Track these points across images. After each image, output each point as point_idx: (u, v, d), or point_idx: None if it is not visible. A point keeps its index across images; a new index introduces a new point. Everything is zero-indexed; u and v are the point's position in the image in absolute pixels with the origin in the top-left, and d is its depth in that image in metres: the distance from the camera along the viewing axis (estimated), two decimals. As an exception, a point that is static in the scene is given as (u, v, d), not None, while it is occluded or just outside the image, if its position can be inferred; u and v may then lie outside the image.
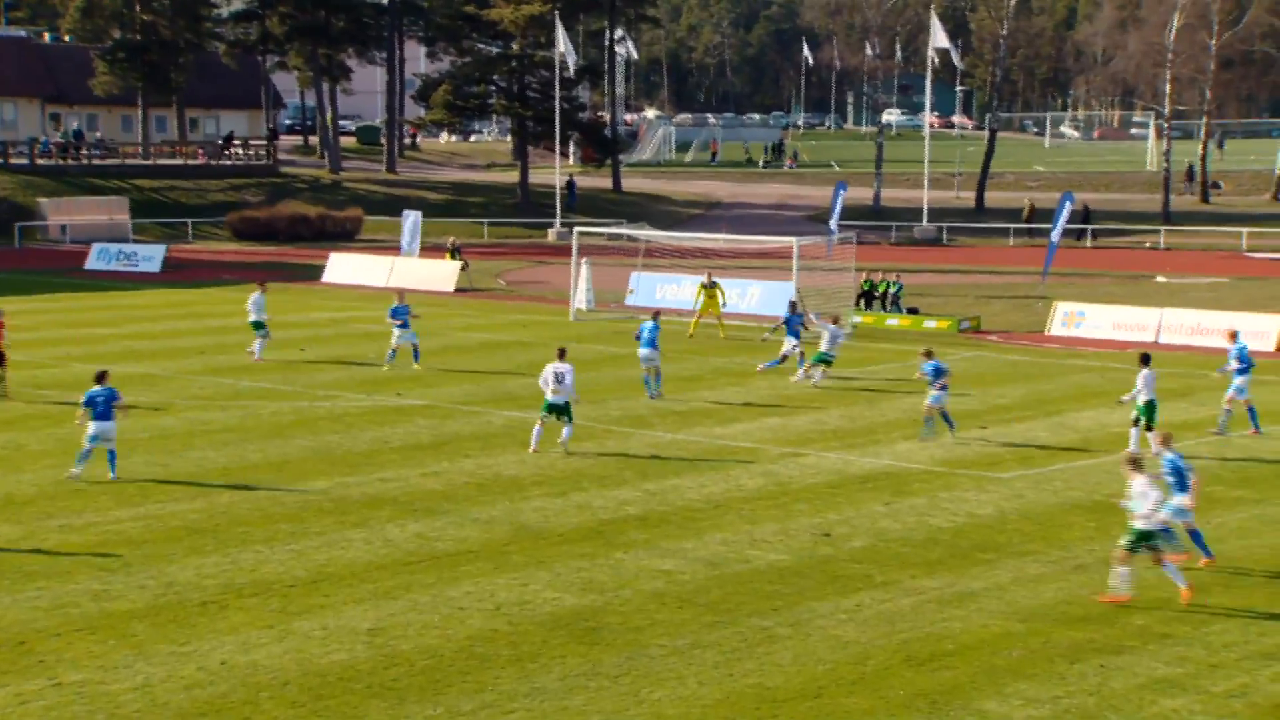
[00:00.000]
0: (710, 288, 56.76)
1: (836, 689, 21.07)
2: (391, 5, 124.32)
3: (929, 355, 38.29)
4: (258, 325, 50.06)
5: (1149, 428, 35.60)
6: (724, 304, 57.33)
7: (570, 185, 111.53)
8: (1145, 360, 36.67)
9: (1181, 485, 26.24)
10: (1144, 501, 24.33)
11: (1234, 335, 40.29)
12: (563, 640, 22.88)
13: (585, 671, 21.61)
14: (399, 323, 48.35)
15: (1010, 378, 47.20)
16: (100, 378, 32.95)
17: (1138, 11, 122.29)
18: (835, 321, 46.47)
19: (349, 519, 29.69)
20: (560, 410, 34.94)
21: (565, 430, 34.98)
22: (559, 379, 34.69)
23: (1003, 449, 36.67)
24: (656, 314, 44.38)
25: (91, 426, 32.31)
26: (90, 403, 32.34)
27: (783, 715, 20.14)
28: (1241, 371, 38.62)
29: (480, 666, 21.79)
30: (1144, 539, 24.54)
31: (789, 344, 46.53)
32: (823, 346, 44.76)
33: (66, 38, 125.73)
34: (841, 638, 23.11)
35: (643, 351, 42.68)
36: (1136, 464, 25.07)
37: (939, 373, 37.44)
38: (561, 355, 35.69)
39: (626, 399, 42.01)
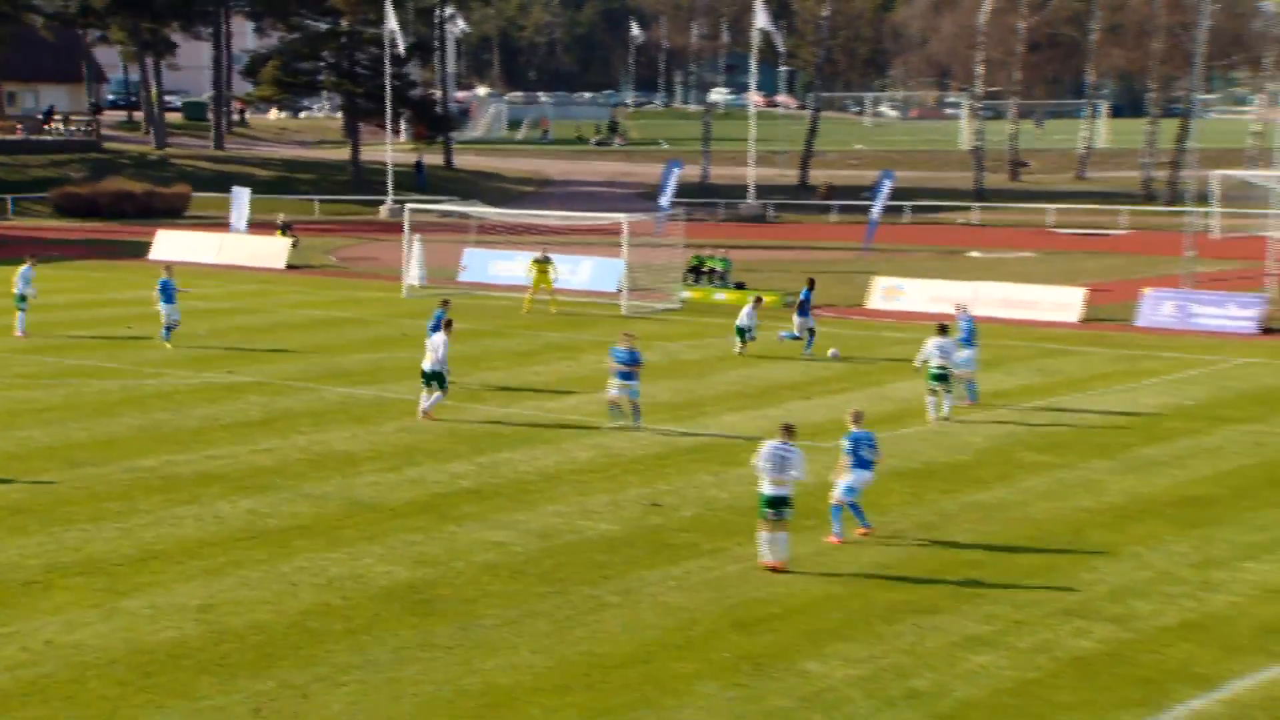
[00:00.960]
0: (543, 263, 56.74)
1: (665, 654, 21.33)
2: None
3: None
4: (21, 299, 49.41)
5: (945, 392, 36.79)
6: (555, 279, 57.41)
7: (419, 166, 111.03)
8: (942, 330, 37.54)
9: (862, 464, 26.85)
10: (774, 467, 24.49)
11: (961, 308, 41.17)
12: (396, 613, 22.93)
13: (418, 643, 21.68)
14: (164, 299, 47.80)
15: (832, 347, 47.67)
16: None
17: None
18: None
19: (179, 496, 29.41)
20: (432, 377, 35.61)
21: (436, 395, 36.22)
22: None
23: (826, 419, 37.04)
24: (445, 301, 41.41)
25: None
26: None
27: (612, 681, 20.37)
28: (967, 343, 38.99)
29: (313, 640, 21.77)
30: (771, 505, 24.70)
31: (799, 321, 47.05)
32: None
33: None
34: (670, 604, 23.37)
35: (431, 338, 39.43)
36: (789, 431, 25.32)
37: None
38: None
39: (461, 374, 42.02)
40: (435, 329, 38.46)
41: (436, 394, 36.52)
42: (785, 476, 24.41)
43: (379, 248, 79.36)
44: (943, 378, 36.94)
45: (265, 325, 52.50)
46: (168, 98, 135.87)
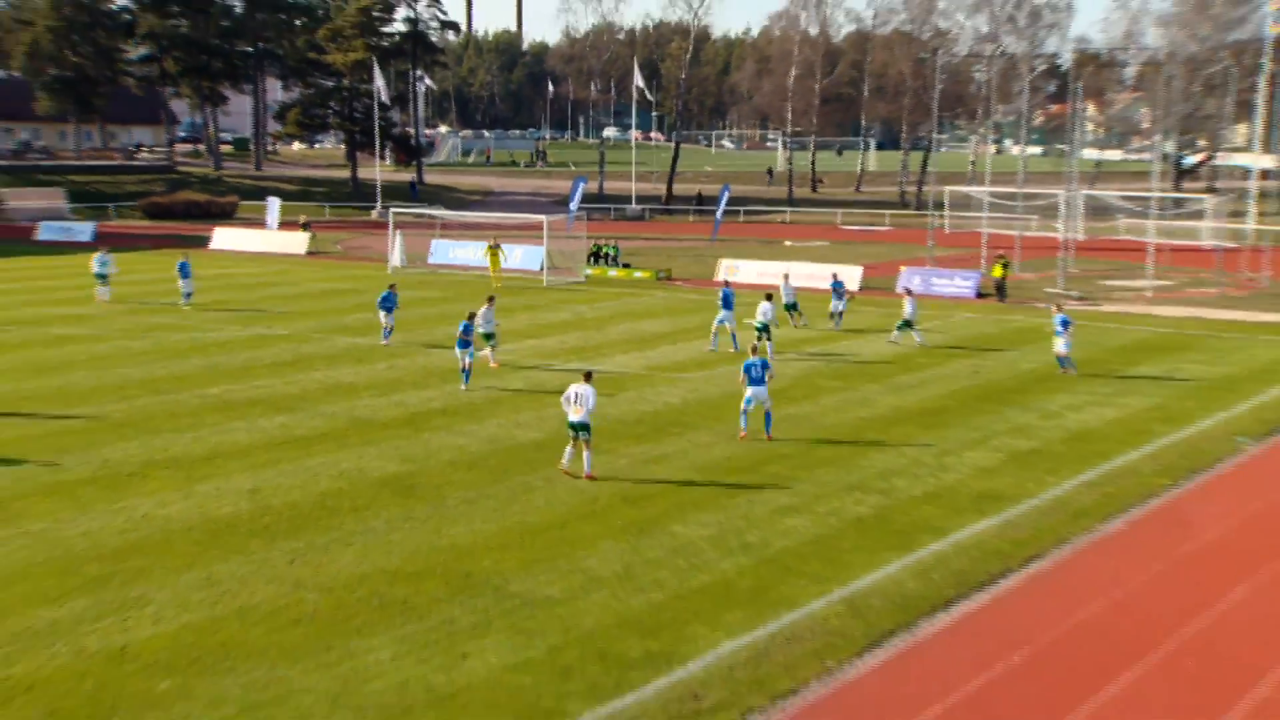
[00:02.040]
0: (494, 249, 56.57)
1: (576, 521, 21.44)
2: (256, 51, 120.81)
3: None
4: (101, 277, 48.71)
5: (767, 339, 36.93)
6: (504, 261, 57.19)
7: (413, 184, 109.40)
8: (768, 298, 38.19)
9: (756, 381, 26.89)
10: (575, 403, 23.65)
11: (726, 283, 41.33)
12: (387, 495, 22.90)
13: (403, 516, 21.70)
14: (182, 275, 47.53)
15: (693, 309, 47.65)
16: None
17: (769, 64, 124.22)
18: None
19: (233, 414, 29.16)
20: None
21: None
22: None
23: (686, 358, 37.23)
24: (393, 285, 39.46)
25: None
26: None
27: (540, 539, 20.45)
28: (726, 305, 38.61)
29: (329, 514, 21.76)
30: (576, 429, 23.78)
31: (837, 303, 43.77)
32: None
33: (15, 73, 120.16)
34: (579, 487, 23.42)
35: (386, 318, 38.47)
36: (587, 376, 24.34)
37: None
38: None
39: (433, 328, 41.69)
40: (385, 302, 38.38)
41: (486, 350, 35.24)
42: (585, 408, 23.65)
43: (371, 239, 78.48)
44: (765, 329, 37.15)
45: (291, 295, 51.78)
46: (222, 134, 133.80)
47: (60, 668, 15.83)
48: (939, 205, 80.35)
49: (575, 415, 23.76)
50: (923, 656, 16.54)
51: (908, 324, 39.75)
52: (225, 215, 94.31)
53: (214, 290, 52.14)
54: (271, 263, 65.68)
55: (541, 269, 58.92)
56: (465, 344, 32.33)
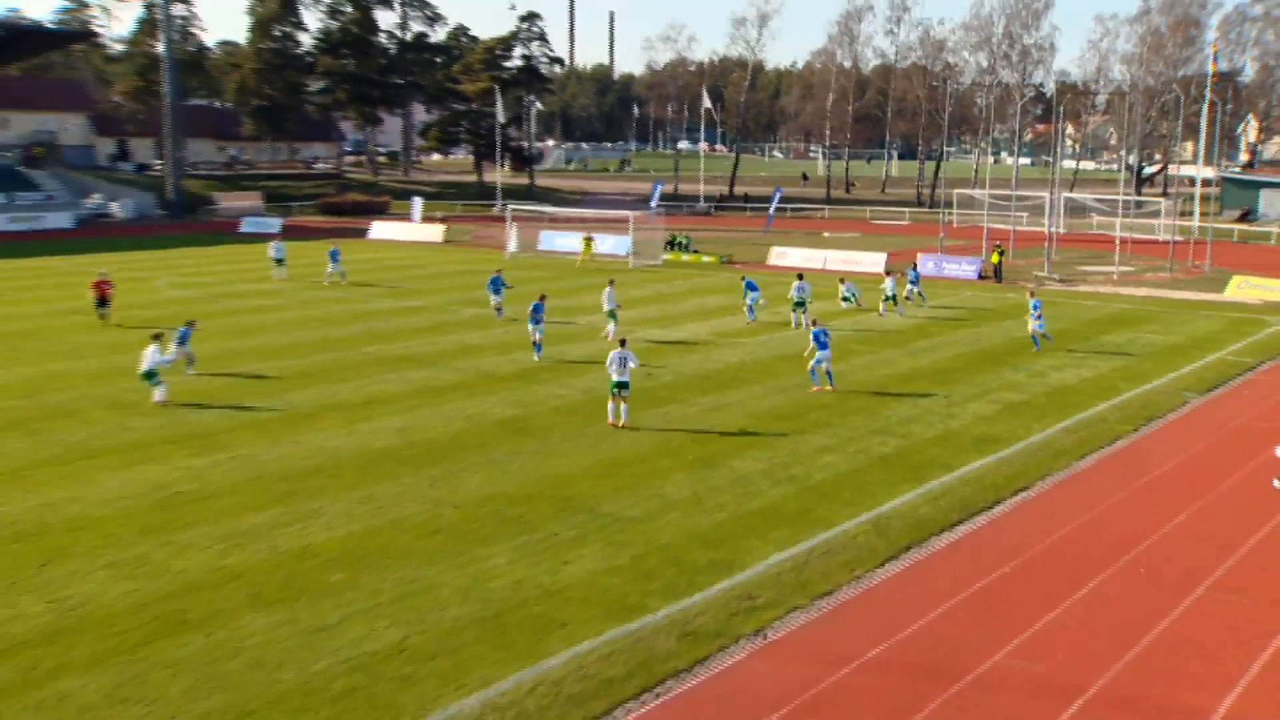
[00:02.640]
0: (588, 240, 56.59)
1: (654, 457, 21.36)
2: (406, 82, 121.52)
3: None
4: (278, 262, 49.57)
5: (802, 312, 36.63)
6: (595, 249, 57.15)
7: (530, 188, 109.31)
8: (800, 277, 38.19)
9: (822, 346, 26.73)
10: (617, 366, 23.16)
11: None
12: (504, 434, 22.93)
13: (516, 450, 21.73)
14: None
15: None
16: (190, 323, 29.09)
17: (811, 91, 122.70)
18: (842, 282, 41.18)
19: (385, 369, 29.36)
20: (610, 314, 27.45)
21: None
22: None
23: (744, 327, 36.97)
24: (500, 270, 38.87)
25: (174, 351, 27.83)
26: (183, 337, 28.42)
27: (626, 470, 20.42)
28: (751, 288, 38.16)
29: (460, 448, 21.86)
30: (620, 387, 23.32)
31: (890, 283, 40.32)
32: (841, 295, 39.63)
33: (228, 104, 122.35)
34: (658, 428, 23.34)
35: (494, 297, 37.24)
36: (622, 343, 23.84)
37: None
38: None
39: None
40: (493, 284, 37.56)
41: (610, 326, 34.35)
42: (625, 369, 23.26)
43: (493, 230, 78.51)
44: (801, 304, 36.97)
45: (431, 274, 52.09)
46: (379, 148, 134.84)
47: (260, 561, 16.16)
48: (948, 204, 79.35)
49: (618, 375, 23.25)
50: (933, 566, 16.39)
51: (890, 298, 39.37)
52: (380, 212, 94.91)
53: (371, 271, 52.67)
54: (415, 249, 66.12)
55: (627, 254, 58.70)
56: (537, 320, 30.65)
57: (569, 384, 27.78)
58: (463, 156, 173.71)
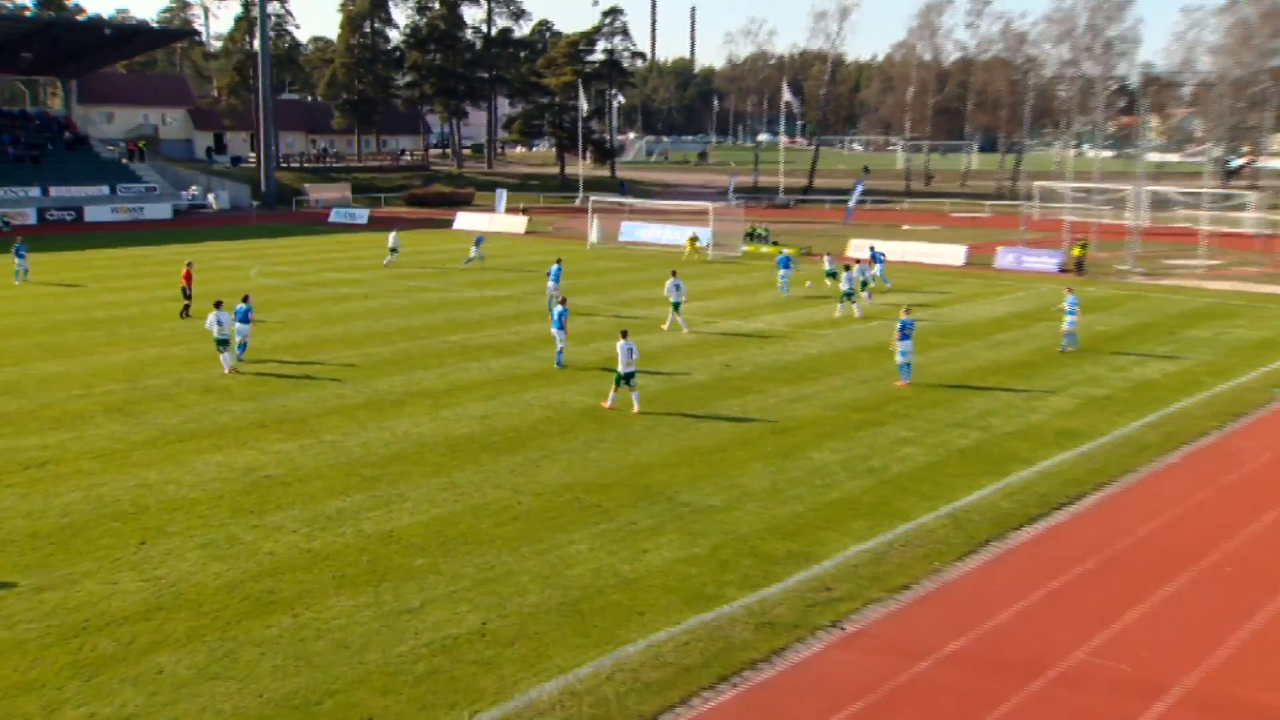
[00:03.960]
0: (693, 239, 55.44)
1: (733, 447, 21.22)
2: (490, 77, 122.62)
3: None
4: (392, 250, 51.17)
5: (852, 300, 36.61)
6: (701, 246, 55.58)
7: (622, 185, 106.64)
8: (847, 268, 37.60)
9: (906, 337, 26.32)
10: (625, 355, 23.35)
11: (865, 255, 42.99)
12: (586, 423, 22.97)
13: (596, 439, 21.75)
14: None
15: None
16: (245, 299, 29.21)
17: (892, 84, 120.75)
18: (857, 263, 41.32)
19: (467, 357, 29.57)
20: (675, 307, 26.83)
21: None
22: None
23: (825, 319, 36.57)
24: (560, 260, 37.83)
25: (240, 327, 28.61)
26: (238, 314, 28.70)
27: (706, 460, 20.32)
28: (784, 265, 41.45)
29: (541, 436, 21.93)
30: (623, 379, 23.52)
31: (846, 279, 40.80)
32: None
33: (319, 98, 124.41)
34: (736, 419, 23.20)
35: (550, 286, 36.38)
36: (624, 334, 24.05)
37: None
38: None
39: (622, 291, 41.75)
40: (554, 276, 36.23)
41: (671, 317, 34.30)
42: (632, 360, 23.38)
43: (574, 221, 78.87)
44: (851, 294, 36.61)
45: (513, 264, 52.37)
46: (464, 140, 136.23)
47: (346, 544, 16.35)
48: (1029, 197, 77.62)
49: (625, 366, 23.32)
50: (1013, 561, 15.99)
51: (847, 295, 36.43)
52: (465, 202, 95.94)
53: (455, 261, 53.10)
54: (498, 239, 66.55)
55: (707, 246, 58.35)
56: (560, 326, 29.96)
57: (650, 374, 27.69)
58: (545, 149, 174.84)
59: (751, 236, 62.08)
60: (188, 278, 37.07)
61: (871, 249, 47.08)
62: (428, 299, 40.72)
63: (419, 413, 23.66)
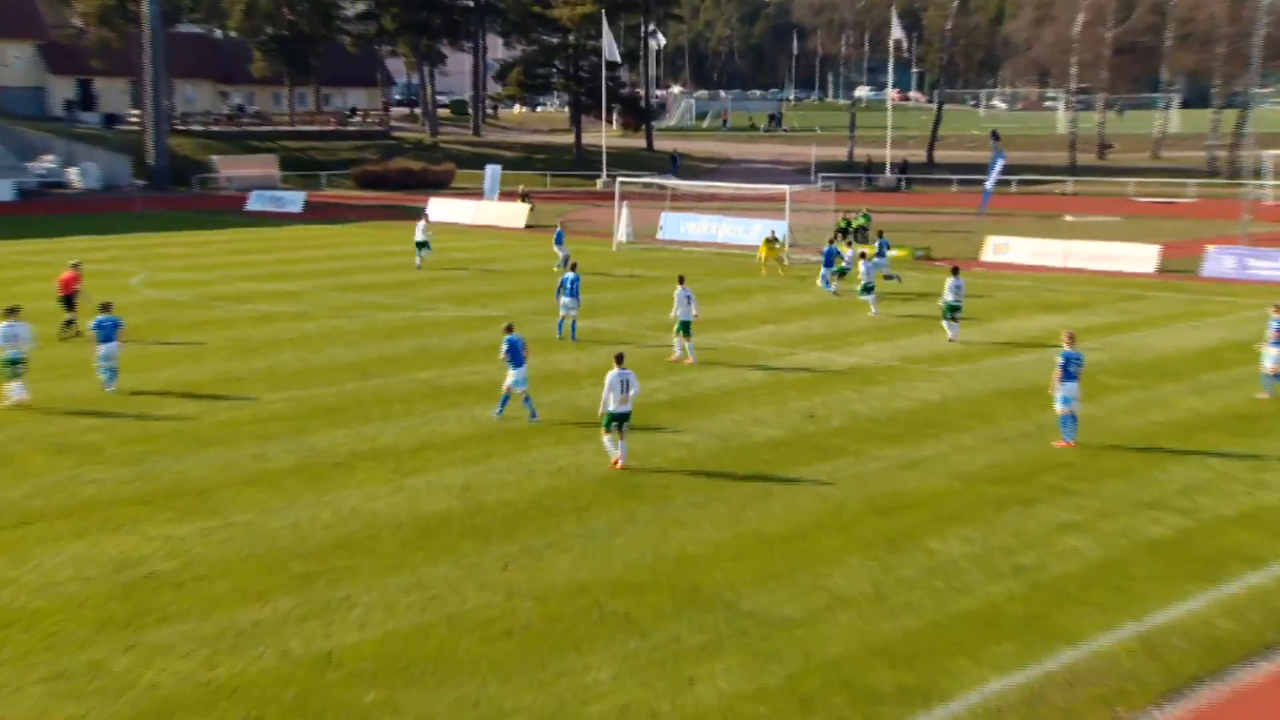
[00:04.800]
0: (770, 241, 54.93)
1: (818, 532, 21.29)
2: (477, 5, 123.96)
3: (955, 273, 38.68)
4: (422, 245, 53.82)
5: (954, 320, 37.83)
6: (782, 257, 54.75)
7: (674, 158, 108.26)
8: (955, 272, 38.69)
9: (1070, 377, 26.28)
10: (618, 390, 24.28)
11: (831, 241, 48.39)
12: (609, 495, 23.14)
13: (626, 519, 21.88)
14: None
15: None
16: (105, 307, 30.99)
17: (1051, 10, 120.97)
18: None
19: (445, 401, 29.92)
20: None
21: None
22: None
23: (947, 350, 36.68)
24: (574, 265, 39.20)
25: (100, 349, 30.64)
26: (98, 327, 30.54)
27: (776, 551, 20.38)
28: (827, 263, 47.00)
29: (546, 514, 22.09)
30: (620, 419, 24.59)
31: (865, 269, 45.71)
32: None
33: (231, 33, 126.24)
34: (822, 494, 23.28)
35: (563, 300, 37.77)
36: (619, 359, 25.09)
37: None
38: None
39: (660, 312, 41.96)
40: (570, 287, 37.26)
41: (680, 341, 35.11)
42: (629, 396, 24.25)
43: (595, 212, 79.62)
44: (955, 308, 37.76)
45: (509, 271, 53.01)
46: (439, 97, 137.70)
47: (264, 671, 16.48)
48: (1258, 172, 77.22)
49: (621, 405, 24.38)
50: (1238, 712, 15.90)
51: (867, 289, 42.75)
52: (441, 185, 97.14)
53: (427, 267, 53.59)
54: (489, 237, 67.31)
55: (784, 245, 58.59)
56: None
57: (698, 426, 27.85)
58: (555, 109, 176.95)
59: (845, 232, 62.09)
60: (69, 283, 37.67)
61: (880, 235, 51.00)
62: (388, 320, 41.07)
63: (374, 482, 23.86)
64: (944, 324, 38.15)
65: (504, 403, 28.45)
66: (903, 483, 23.97)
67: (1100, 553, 20.51)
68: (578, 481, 23.95)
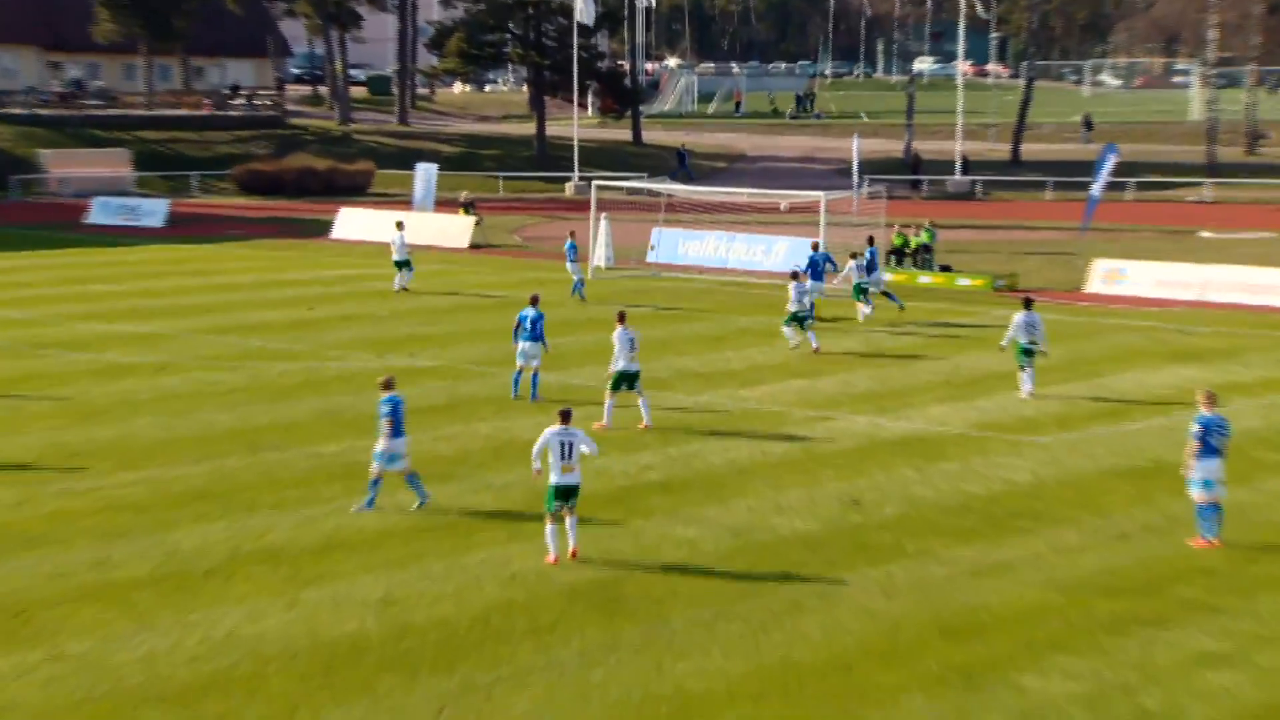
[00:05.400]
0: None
1: (867, 662, 21.08)
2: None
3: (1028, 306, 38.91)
4: (402, 265, 56.26)
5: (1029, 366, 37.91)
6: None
7: (682, 156, 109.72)
8: (1028, 305, 38.67)
9: (1211, 451, 26.10)
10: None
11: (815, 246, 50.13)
12: (582, 611, 22.94)
13: (605, 644, 21.68)
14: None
15: (1049, 338, 46.37)
16: None
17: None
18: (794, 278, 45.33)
19: (360, 484, 29.33)
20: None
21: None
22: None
23: (1039, 412, 36.56)
24: (535, 299, 38.65)
25: None
26: None
27: (810, 689, 20.17)
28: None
29: (496, 638, 21.87)
30: (566, 494, 24.93)
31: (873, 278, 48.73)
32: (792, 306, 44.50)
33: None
34: (872, 609, 23.09)
35: (522, 345, 37.57)
36: (566, 416, 25.32)
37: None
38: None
39: (646, 359, 41.61)
40: (531, 328, 37.29)
41: (609, 403, 34.89)
42: (573, 460, 24.63)
43: (565, 226, 79.57)
44: (1031, 353, 37.81)
45: (448, 307, 52.86)
46: (352, 72, 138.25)
47: None
48: None
49: (565, 475, 24.79)
50: None
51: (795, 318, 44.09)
52: (355, 190, 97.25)
53: (337, 301, 53.47)
54: (420, 260, 67.08)
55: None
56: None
57: (703, 515, 27.73)
58: (510, 89, 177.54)
59: (899, 255, 62.02)
60: None
61: (870, 243, 52.42)
62: (282, 373, 41.01)
63: (260, 594, 23.65)
64: (1020, 375, 38.24)
65: (374, 491, 28.18)
66: (981, 595, 23.80)
67: (1257, 693, 20.31)
68: (539, 592, 23.73)
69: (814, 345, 43.64)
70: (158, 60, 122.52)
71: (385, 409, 27.95)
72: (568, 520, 24.81)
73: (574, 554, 24.88)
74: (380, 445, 27.85)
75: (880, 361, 43.24)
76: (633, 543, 26.12)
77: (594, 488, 29.20)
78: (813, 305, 45.40)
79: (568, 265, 55.13)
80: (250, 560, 25.23)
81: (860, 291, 49.15)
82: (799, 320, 43.85)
